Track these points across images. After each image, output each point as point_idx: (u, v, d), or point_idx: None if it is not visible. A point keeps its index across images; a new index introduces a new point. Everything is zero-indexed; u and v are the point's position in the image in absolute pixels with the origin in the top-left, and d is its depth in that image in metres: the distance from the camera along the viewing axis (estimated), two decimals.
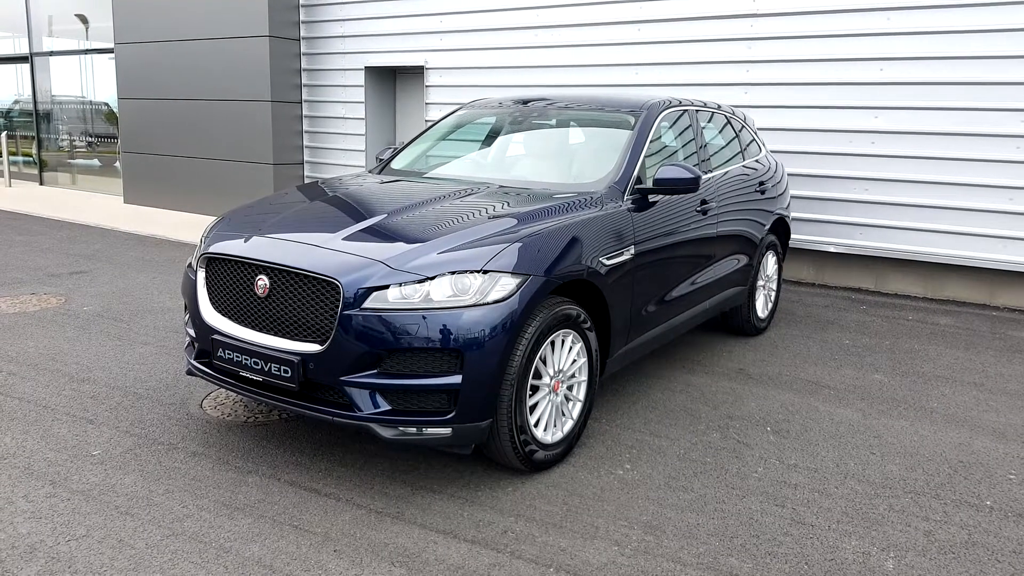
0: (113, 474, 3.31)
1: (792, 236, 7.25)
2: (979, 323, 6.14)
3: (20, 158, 14.94)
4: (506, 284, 3.07)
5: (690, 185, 3.95)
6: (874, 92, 6.73)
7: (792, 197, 7.12)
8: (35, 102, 14.14)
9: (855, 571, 2.75)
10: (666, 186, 3.95)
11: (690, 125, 4.80)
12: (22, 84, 14.24)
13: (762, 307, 5.66)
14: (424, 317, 2.95)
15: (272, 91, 10.00)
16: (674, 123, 4.67)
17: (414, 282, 3.00)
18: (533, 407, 3.30)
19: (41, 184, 14.39)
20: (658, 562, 2.77)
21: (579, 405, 3.57)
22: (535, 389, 3.30)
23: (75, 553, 2.73)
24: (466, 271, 3.04)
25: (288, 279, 3.15)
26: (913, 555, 2.86)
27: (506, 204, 3.63)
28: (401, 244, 3.17)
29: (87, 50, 13.02)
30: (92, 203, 12.03)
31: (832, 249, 7.20)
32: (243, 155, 10.42)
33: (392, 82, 10.16)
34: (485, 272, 3.05)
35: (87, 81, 13.41)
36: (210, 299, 3.44)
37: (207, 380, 3.48)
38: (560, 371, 3.41)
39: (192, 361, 3.57)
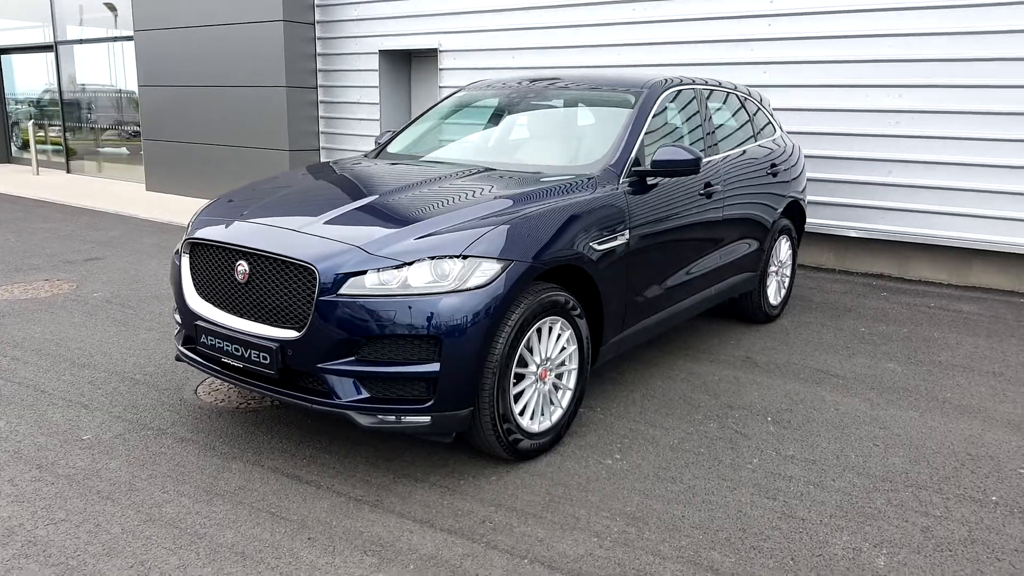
0: (100, 459, 3.31)
1: (811, 220, 7.07)
2: (1005, 311, 5.92)
3: (49, 146, 15.18)
4: (487, 269, 2.99)
5: (690, 167, 3.82)
6: (899, 69, 6.49)
7: (812, 180, 6.94)
8: (60, 91, 14.33)
9: (843, 567, 2.64)
10: (664, 168, 3.83)
11: (696, 104, 4.66)
12: (52, 73, 14.41)
13: (774, 293, 5.51)
14: (401, 303, 2.89)
15: (287, 76, 9.99)
16: (678, 103, 4.53)
17: (392, 268, 2.94)
18: (519, 395, 3.23)
19: (68, 172, 14.61)
20: (636, 555, 2.68)
21: (569, 394, 3.48)
22: (520, 377, 3.22)
23: (51, 537, 2.73)
24: (446, 256, 2.96)
25: (266, 264, 3.10)
26: (907, 552, 2.74)
27: (493, 188, 3.54)
28: (380, 229, 3.10)
29: (112, 38, 13.13)
30: (115, 190, 12.18)
31: (853, 234, 7.00)
32: (259, 141, 10.45)
33: (407, 66, 10.09)
34: (465, 257, 2.97)
35: (115, 70, 13.54)
36: (194, 285, 3.42)
37: (193, 366, 3.46)
38: (548, 359, 3.33)
39: (180, 347, 3.55)
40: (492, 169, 3.92)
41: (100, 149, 14.12)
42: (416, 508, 2.96)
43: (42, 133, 15.28)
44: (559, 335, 3.37)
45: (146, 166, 12.26)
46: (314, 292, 2.94)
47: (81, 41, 13.76)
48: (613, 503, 3.02)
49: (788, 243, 5.60)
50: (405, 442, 3.48)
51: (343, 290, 2.92)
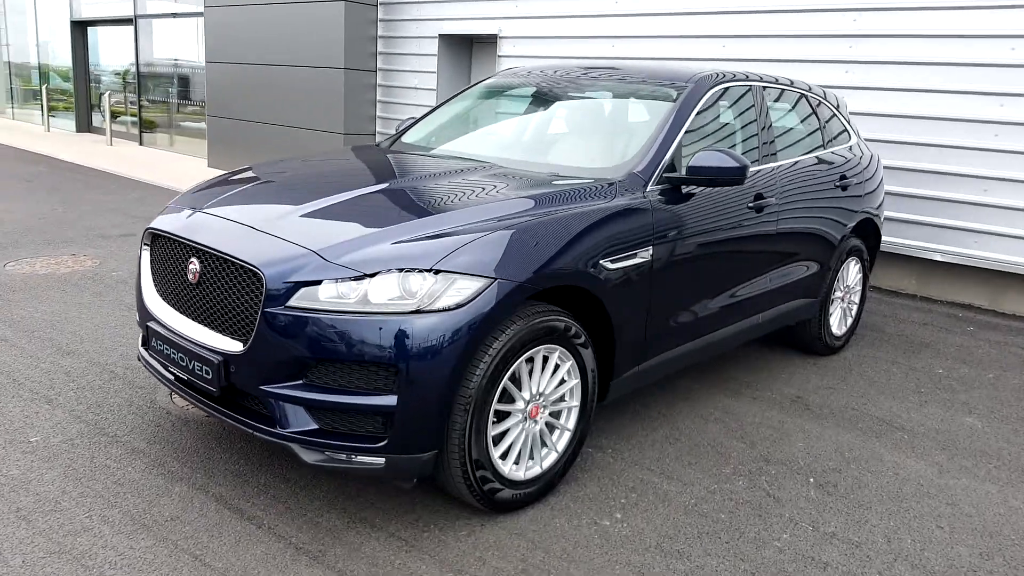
0: (37, 468, 2.98)
1: (892, 239, 6.30)
2: None
3: (129, 118, 15.39)
4: (463, 288, 2.50)
5: (733, 176, 3.23)
6: (1002, 75, 5.65)
7: (895, 194, 6.16)
8: (137, 63, 14.49)
9: None
10: (702, 176, 3.25)
11: (753, 104, 4.03)
12: (131, 46, 14.59)
13: (838, 322, 4.82)
14: (356, 322, 2.42)
15: (346, 58, 9.68)
16: (731, 101, 3.92)
17: (351, 279, 2.48)
18: (501, 436, 2.73)
19: (140, 144, 14.80)
20: None
21: (567, 435, 2.96)
22: (504, 415, 2.72)
23: None
24: (414, 269, 2.48)
25: (216, 265, 2.69)
26: None
27: (493, 189, 3.04)
28: (346, 231, 2.65)
29: (188, 13, 13.14)
30: (178, 166, 12.19)
31: (938, 257, 6.18)
32: (315, 123, 10.20)
33: (468, 52, 9.64)
34: (437, 272, 2.49)
35: (191, 45, 13.57)
36: (153, 280, 3.05)
37: (148, 371, 3.09)
38: (540, 394, 2.81)
39: (140, 348, 3.19)
40: (501, 167, 3.41)
41: (173, 123, 14.22)
42: (360, 566, 2.50)
43: (121, 105, 15.53)
44: (557, 366, 2.86)
45: (209, 142, 12.23)
46: (260, 301, 2.51)
47: (160, 16, 13.85)
48: None
49: (858, 266, 4.90)
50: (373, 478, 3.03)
51: (293, 301, 2.48)
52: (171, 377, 2.91)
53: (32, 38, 18.01)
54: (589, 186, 3.09)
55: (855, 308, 5.01)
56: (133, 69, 14.68)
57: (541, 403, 2.83)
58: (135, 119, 14.98)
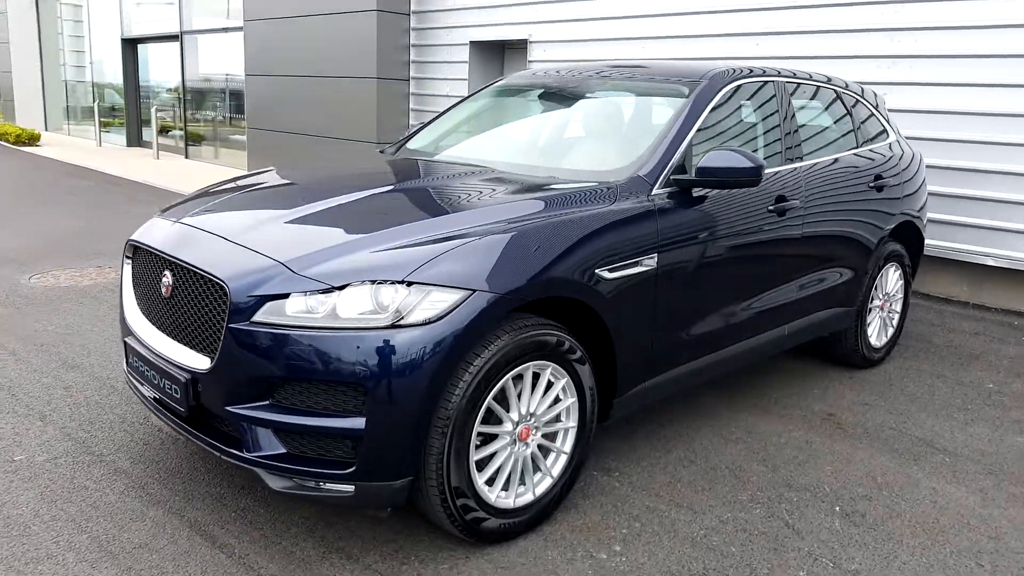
0: (15, 488, 2.89)
1: (942, 243, 5.91)
2: None
3: (177, 132, 15.67)
4: (438, 301, 2.31)
5: (747, 177, 2.98)
6: None
7: (944, 196, 5.78)
8: (183, 79, 14.75)
9: None
10: (712, 177, 3.00)
11: (776, 102, 3.76)
12: (177, 62, 14.86)
13: (876, 333, 4.49)
14: (323, 339, 2.26)
15: (378, 68, 9.64)
16: (750, 98, 3.66)
17: (319, 291, 2.31)
18: (488, 460, 2.53)
19: (186, 157, 15.05)
20: None
21: (563, 459, 2.74)
22: (490, 438, 2.52)
23: None
24: (386, 281, 2.30)
25: (186, 277, 2.56)
26: None
27: (481, 194, 2.85)
28: (321, 240, 2.48)
29: (230, 28, 13.32)
30: (218, 178, 12.31)
31: (991, 262, 5.76)
32: (350, 133, 10.18)
33: (499, 59, 9.49)
34: (409, 284, 2.30)
35: (233, 59, 13.75)
36: (135, 294, 2.94)
37: (130, 389, 2.98)
38: (531, 414, 2.61)
39: (125, 366, 3.08)
40: (498, 172, 3.22)
41: (218, 136, 14.42)
42: None
43: (170, 120, 15.84)
44: (550, 383, 2.65)
45: (249, 155, 12.36)
46: (225, 315, 2.36)
47: (204, 31, 14.07)
48: None
49: (898, 272, 4.56)
50: None
51: (259, 316, 2.32)
52: (148, 395, 2.78)
53: (86, 57, 18.56)
54: (587, 190, 2.88)
55: (896, 317, 4.67)
56: (179, 84, 14.95)
57: (533, 424, 2.62)
58: (182, 133, 15.25)
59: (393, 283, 2.30)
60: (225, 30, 13.41)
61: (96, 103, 17.63)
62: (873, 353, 4.46)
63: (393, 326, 2.25)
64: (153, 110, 15.12)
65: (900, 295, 4.65)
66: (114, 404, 3.65)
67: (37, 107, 20.24)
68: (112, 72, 17.58)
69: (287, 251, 2.43)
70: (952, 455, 3.44)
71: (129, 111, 17.11)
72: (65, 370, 4.05)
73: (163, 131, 15.69)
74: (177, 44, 14.65)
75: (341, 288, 2.30)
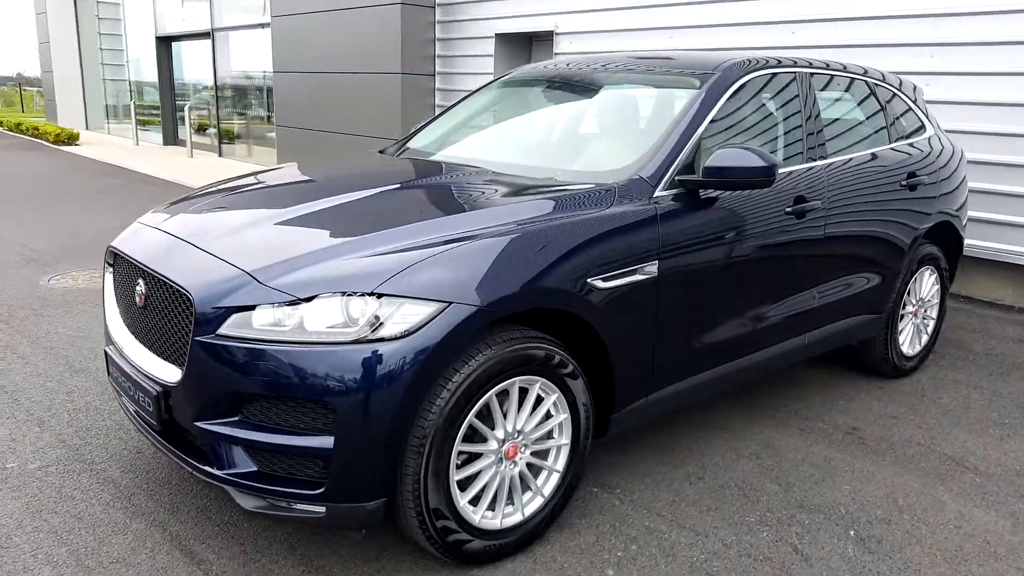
0: (3, 496, 2.85)
1: (986, 244, 5.60)
2: None
3: (212, 130, 15.83)
4: (411, 313, 2.18)
5: (759, 177, 2.78)
6: None
7: (989, 193, 5.47)
8: (215, 76, 14.86)
9: None
10: (721, 178, 2.81)
11: (798, 95, 3.54)
12: (209, 60, 14.98)
13: (909, 341, 4.24)
14: (289, 353, 2.14)
15: (403, 63, 9.55)
16: (769, 91, 3.45)
17: (286, 303, 2.20)
18: (471, 479, 2.40)
19: (220, 155, 15.18)
20: None
21: (555, 477, 2.60)
22: (472, 456, 2.39)
23: None
24: (355, 293, 2.18)
25: (157, 287, 2.48)
26: None
27: (470, 198, 2.70)
28: (294, 247, 2.37)
29: (260, 24, 13.36)
30: None
31: None
32: (375, 129, 10.11)
33: (526, 52, 9.33)
34: (380, 296, 2.18)
35: (264, 57, 13.80)
36: (116, 302, 2.86)
37: (117, 402, 2.91)
38: (519, 432, 2.47)
39: (109, 376, 3.02)
40: (493, 173, 3.07)
41: (251, 133, 14.52)
42: None
43: (204, 117, 16.00)
44: (540, 399, 2.50)
45: (278, 152, 12.39)
46: (190, 327, 2.27)
47: (234, 28, 14.15)
48: None
49: (934, 276, 4.30)
50: None
51: (225, 328, 2.22)
52: (129, 407, 2.71)
53: (124, 55, 18.86)
54: (581, 193, 2.72)
55: (931, 324, 4.41)
56: (212, 82, 15.08)
57: (521, 442, 2.48)
58: (215, 131, 15.39)
59: (363, 295, 2.17)
60: (255, 26, 13.46)
61: (133, 101, 17.89)
62: (905, 362, 4.22)
63: (362, 340, 2.13)
64: (187, 108, 15.27)
65: (936, 300, 4.38)
66: (113, 410, 3.61)
67: (78, 106, 20.67)
68: (149, 70, 17.83)
69: (256, 260, 2.33)
70: (983, 475, 3.21)
71: (164, 109, 17.33)
72: (70, 374, 4.02)
73: (198, 129, 15.85)
74: (209, 41, 14.76)
75: (308, 300, 2.18)
